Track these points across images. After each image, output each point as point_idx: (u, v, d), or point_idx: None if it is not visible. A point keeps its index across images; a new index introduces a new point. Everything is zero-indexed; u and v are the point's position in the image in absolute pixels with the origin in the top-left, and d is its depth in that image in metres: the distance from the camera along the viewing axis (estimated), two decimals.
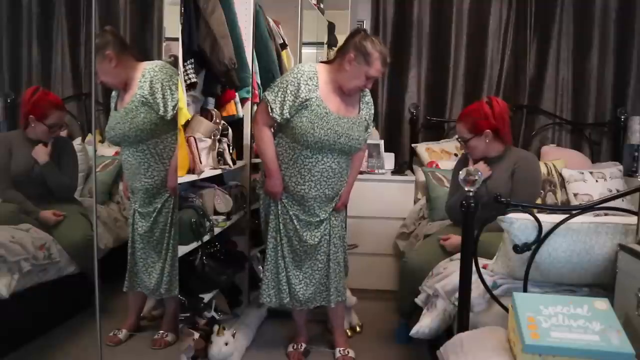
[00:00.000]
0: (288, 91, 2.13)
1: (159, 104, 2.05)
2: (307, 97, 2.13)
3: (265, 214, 2.36)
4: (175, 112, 2.04)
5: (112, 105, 2.20)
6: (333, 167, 2.22)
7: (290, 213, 2.26)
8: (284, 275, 2.29)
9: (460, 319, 1.64)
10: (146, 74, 2.07)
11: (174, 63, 2.11)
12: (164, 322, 2.30)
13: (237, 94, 2.56)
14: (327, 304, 2.34)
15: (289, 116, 2.14)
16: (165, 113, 2.06)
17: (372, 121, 2.34)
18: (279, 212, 2.28)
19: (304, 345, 2.47)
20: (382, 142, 3.54)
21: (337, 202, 2.31)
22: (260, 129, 2.23)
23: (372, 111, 2.34)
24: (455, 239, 2.22)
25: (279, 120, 2.17)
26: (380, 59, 2.12)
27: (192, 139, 2.15)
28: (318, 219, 2.27)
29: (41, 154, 2.23)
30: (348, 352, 2.43)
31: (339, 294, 2.33)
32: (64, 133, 2.69)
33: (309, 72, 2.16)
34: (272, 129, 2.27)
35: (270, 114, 2.16)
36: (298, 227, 2.26)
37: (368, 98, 2.32)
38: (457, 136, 2.55)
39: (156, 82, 2.06)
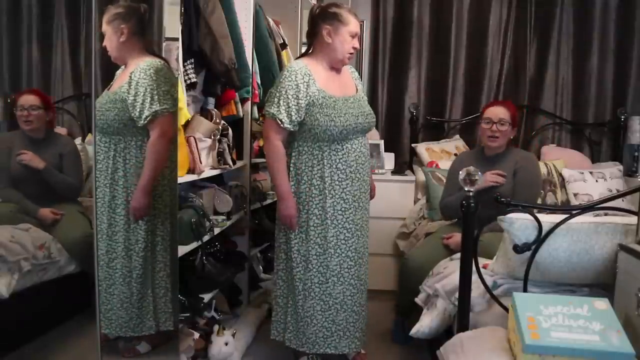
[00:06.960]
0: (289, 96, 2.02)
1: (136, 108, 1.97)
2: (309, 93, 2.04)
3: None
4: (146, 121, 1.98)
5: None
6: (362, 150, 2.17)
7: (346, 224, 2.12)
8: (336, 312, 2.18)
9: (460, 319, 1.64)
10: (137, 72, 1.98)
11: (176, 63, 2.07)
12: None
13: (237, 94, 2.57)
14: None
15: (299, 119, 2.05)
16: (138, 118, 1.98)
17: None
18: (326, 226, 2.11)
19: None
20: (382, 142, 3.54)
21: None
22: (273, 145, 2.07)
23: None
24: (459, 237, 2.22)
25: (292, 129, 2.05)
26: (351, 13, 2.11)
27: (192, 139, 2.15)
28: (364, 214, 2.20)
29: (36, 161, 2.20)
30: (360, 349, 2.39)
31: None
32: (63, 132, 2.69)
33: (300, 69, 2.05)
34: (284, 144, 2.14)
35: (282, 126, 2.03)
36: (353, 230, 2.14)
37: (356, 74, 2.31)
38: (486, 117, 2.45)
39: (141, 85, 1.97)
